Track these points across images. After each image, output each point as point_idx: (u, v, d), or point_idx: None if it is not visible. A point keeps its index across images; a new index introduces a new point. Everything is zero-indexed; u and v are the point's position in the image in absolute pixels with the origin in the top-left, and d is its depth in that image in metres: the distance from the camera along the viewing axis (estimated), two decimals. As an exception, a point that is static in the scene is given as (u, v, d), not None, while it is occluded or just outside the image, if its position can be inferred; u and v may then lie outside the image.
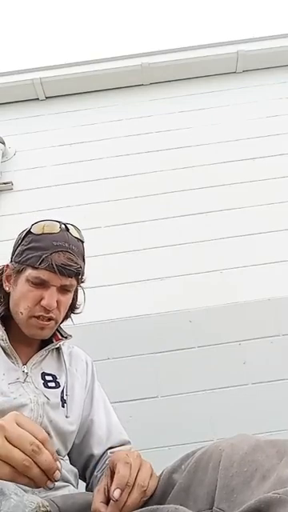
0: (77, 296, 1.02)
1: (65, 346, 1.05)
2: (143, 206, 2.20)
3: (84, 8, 3.99)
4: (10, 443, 0.57)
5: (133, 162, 2.37)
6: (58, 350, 1.02)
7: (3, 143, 2.45)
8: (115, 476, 0.65)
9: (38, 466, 0.57)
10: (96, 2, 4.00)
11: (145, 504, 0.67)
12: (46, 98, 2.70)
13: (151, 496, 0.69)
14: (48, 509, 0.68)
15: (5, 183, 2.33)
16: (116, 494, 0.63)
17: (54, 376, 0.96)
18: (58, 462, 0.60)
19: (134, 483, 0.65)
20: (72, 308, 1.02)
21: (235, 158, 2.34)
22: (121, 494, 0.63)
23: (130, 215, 2.17)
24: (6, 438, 0.57)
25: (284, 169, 2.27)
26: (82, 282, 1.00)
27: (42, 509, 0.68)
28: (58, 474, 0.59)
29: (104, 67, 2.66)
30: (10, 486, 0.62)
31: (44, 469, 0.58)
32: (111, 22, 4.01)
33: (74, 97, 2.70)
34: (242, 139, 2.41)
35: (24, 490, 0.65)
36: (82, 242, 0.98)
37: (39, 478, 0.58)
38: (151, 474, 0.69)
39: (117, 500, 0.62)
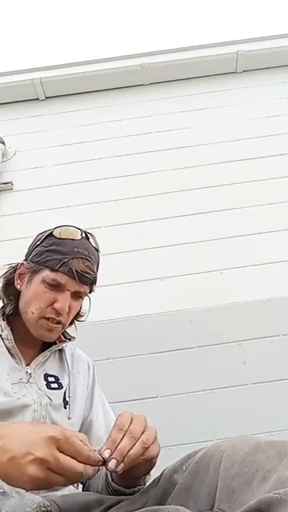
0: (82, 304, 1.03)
1: (67, 347, 1.05)
2: (143, 206, 2.20)
3: (84, 8, 3.99)
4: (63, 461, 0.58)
5: (133, 162, 2.37)
6: (61, 351, 1.03)
7: (3, 143, 2.45)
8: (106, 440, 0.67)
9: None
10: (96, 2, 4.00)
11: (145, 504, 0.67)
12: (46, 98, 2.70)
13: (152, 496, 0.69)
14: (48, 508, 0.68)
15: (5, 183, 2.34)
16: (106, 453, 0.63)
17: (56, 377, 0.96)
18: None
19: (138, 439, 0.66)
20: (77, 315, 1.02)
21: (235, 158, 2.34)
22: (110, 454, 0.64)
23: (130, 215, 2.17)
24: (58, 449, 0.58)
25: (284, 169, 2.27)
26: (93, 291, 1.00)
27: (43, 508, 0.68)
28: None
29: (104, 67, 2.66)
30: (11, 485, 0.62)
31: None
32: (111, 22, 4.01)
33: (74, 97, 2.70)
34: (242, 139, 2.41)
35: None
36: (99, 251, 0.99)
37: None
38: (155, 438, 0.70)
39: (105, 460, 0.63)
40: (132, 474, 0.73)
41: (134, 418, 0.69)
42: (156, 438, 0.71)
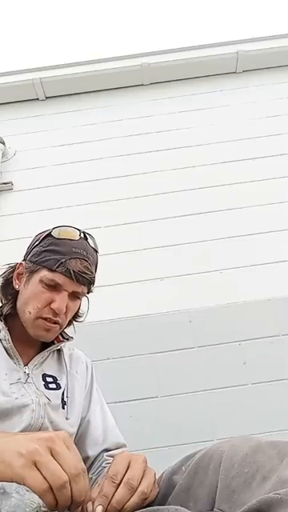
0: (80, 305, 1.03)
1: (65, 347, 1.05)
2: (143, 206, 2.20)
3: (84, 8, 3.98)
4: (54, 458, 0.55)
5: (133, 161, 2.37)
6: (59, 351, 1.03)
7: (3, 143, 2.45)
8: (98, 493, 0.62)
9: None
10: (96, 2, 4.00)
11: (145, 505, 0.67)
12: (46, 98, 2.71)
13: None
14: (48, 509, 0.68)
15: (5, 183, 2.33)
16: (98, 510, 0.60)
17: (54, 377, 0.96)
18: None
19: (137, 489, 0.63)
20: (75, 316, 1.02)
21: (235, 158, 2.34)
22: (103, 511, 0.59)
23: (130, 215, 2.17)
24: (51, 451, 0.55)
25: (284, 169, 2.27)
26: (91, 292, 1.00)
27: (43, 508, 0.68)
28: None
29: (104, 67, 2.66)
30: (11, 485, 0.62)
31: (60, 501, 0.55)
32: (111, 22, 4.01)
33: (74, 97, 2.71)
34: (242, 139, 2.41)
35: (25, 490, 0.65)
36: (97, 252, 0.99)
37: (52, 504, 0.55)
38: (154, 482, 0.67)
39: None
40: None
41: (132, 462, 0.65)
42: (155, 480, 0.66)
